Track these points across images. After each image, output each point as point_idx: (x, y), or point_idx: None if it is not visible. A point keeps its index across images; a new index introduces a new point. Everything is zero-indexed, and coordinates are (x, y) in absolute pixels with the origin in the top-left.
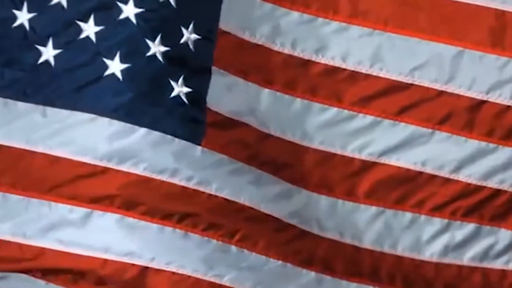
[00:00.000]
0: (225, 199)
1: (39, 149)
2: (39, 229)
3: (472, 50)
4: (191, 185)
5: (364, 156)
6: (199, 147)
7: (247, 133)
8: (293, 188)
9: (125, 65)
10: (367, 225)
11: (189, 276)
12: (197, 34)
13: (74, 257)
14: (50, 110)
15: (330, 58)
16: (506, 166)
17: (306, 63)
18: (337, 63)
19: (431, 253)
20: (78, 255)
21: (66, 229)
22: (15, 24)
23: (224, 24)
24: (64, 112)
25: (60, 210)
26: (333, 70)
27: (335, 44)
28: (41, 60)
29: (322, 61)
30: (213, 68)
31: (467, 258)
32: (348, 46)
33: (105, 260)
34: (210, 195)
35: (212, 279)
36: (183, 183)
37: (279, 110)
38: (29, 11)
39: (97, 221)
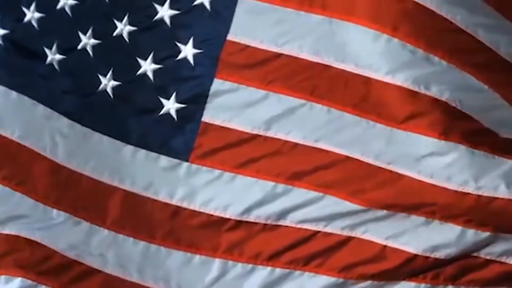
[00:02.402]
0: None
1: None
2: None
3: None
4: (173, 201)
5: None
6: (186, 163)
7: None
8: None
9: (116, 83)
10: None
11: None
12: (198, 48)
13: None
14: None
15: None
16: None
17: (327, 68)
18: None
19: None
20: None
21: None
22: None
23: (234, 35)
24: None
25: None
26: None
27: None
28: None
29: (341, 67)
30: (216, 79)
31: None
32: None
33: None
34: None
35: None
36: (166, 200)
37: (292, 115)
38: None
39: None
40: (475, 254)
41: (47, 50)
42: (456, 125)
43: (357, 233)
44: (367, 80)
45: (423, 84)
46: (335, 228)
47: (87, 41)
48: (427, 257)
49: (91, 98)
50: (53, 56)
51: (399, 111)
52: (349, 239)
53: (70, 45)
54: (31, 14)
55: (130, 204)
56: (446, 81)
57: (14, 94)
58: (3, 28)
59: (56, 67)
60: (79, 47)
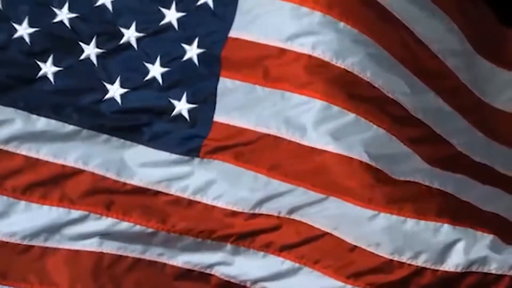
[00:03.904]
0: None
1: None
2: None
3: None
4: (186, 195)
5: None
6: (197, 158)
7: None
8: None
9: (124, 90)
10: None
11: None
12: (202, 48)
13: None
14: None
15: (350, 64)
16: None
17: (326, 65)
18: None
19: None
20: None
21: None
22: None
23: (237, 31)
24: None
25: None
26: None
27: (349, 47)
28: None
29: (338, 64)
30: (221, 78)
31: None
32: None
33: None
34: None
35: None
36: (178, 194)
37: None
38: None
39: None
40: (486, 269)
41: (40, 64)
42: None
43: (362, 244)
44: None
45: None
46: (342, 234)
47: (90, 51)
48: (435, 270)
49: (95, 106)
50: (47, 69)
51: None
52: (354, 247)
53: (70, 56)
54: (23, 30)
55: (139, 198)
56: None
57: None
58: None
59: (51, 79)
60: (82, 57)
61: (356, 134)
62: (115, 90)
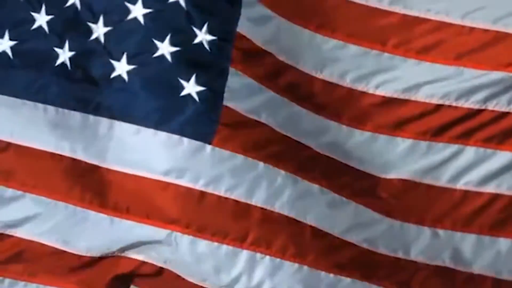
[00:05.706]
0: (235, 201)
1: None
2: None
3: (470, 68)
4: (198, 186)
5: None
6: (209, 146)
7: (263, 133)
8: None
9: (131, 66)
10: None
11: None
12: (212, 35)
13: None
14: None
15: (329, 75)
16: (503, 171)
17: (311, 79)
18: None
19: None
20: None
21: None
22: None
23: (242, 29)
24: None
25: None
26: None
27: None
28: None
29: (320, 77)
30: (231, 68)
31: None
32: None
33: None
34: (219, 197)
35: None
36: (190, 185)
37: (294, 118)
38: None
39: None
40: None
41: (58, 50)
42: None
43: (371, 247)
44: None
45: None
46: (352, 237)
47: (98, 30)
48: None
49: (105, 86)
50: (65, 55)
51: None
52: (364, 250)
53: (81, 39)
54: (42, 18)
55: (147, 191)
56: None
57: (27, 102)
58: (13, 39)
59: (68, 65)
60: (92, 38)
61: None
62: (122, 68)
